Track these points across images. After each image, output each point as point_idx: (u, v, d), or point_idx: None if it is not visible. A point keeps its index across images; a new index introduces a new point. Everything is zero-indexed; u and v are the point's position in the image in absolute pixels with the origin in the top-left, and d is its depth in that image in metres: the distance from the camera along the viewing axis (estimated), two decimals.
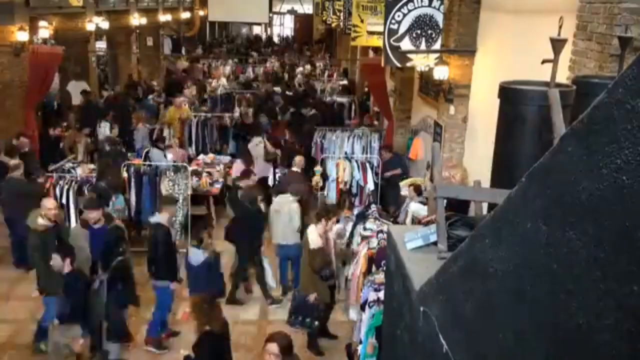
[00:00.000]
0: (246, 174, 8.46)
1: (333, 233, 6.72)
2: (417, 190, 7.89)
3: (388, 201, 9.54)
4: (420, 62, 8.23)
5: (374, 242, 6.51)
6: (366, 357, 5.31)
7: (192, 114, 12.67)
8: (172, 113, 12.62)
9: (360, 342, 5.68)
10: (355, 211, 8.09)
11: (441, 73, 7.96)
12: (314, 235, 6.44)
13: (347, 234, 7.44)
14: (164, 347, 6.62)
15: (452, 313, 1.73)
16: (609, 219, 0.98)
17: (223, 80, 17.67)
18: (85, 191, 8.48)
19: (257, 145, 10.67)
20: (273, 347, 4.22)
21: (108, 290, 5.77)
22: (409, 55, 8.16)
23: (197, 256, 6.53)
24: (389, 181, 9.85)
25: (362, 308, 5.86)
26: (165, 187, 8.78)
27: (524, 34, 6.25)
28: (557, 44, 2.41)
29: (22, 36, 10.25)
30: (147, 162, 9.47)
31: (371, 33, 10.80)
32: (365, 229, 6.83)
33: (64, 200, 8.46)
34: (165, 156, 10.03)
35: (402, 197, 8.87)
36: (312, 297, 6.36)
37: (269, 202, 8.10)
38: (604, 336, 0.99)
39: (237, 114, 13.22)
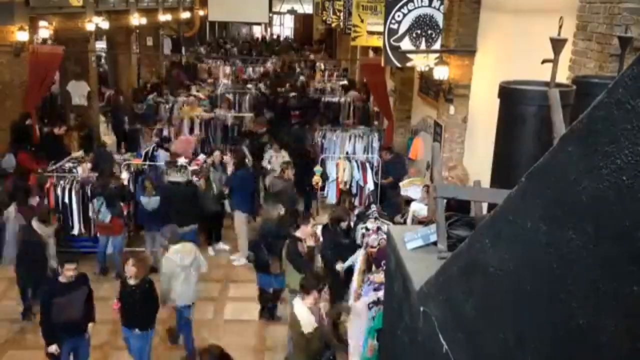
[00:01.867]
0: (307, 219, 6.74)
1: (324, 307, 5.46)
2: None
3: (387, 202, 9.54)
4: (420, 62, 8.23)
5: (373, 240, 6.51)
6: (366, 359, 5.30)
7: (199, 114, 12.91)
8: (186, 111, 12.99)
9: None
10: (356, 211, 8.10)
11: (441, 73, 7.96)
12: (303, 314, 5.04)
13: None
14: None
15: (452, 313, 1.73)
16: (609, 219, 0.98)
17: (224, 80, 17.75)
18: (88, 191, 8.51)
19: (274, 159, 10.01)
20: None
21: None
22: (409, 55, 8.16)
23: None
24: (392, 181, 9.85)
25: None
26: None
27: (524, 34, 6.25)
28: (557, 44, 2.41)
29: (22, 36, 10.24)
30: (149, 163, 9.48)
31: (371, 33, 10.80)
32: (367, 229, 6.83)
33: (65, 200, 8.47)
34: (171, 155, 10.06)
35: (402, 197, 8.87)
36: None
37: None
38: (604, 336, 0.99)
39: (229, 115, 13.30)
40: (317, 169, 9.94)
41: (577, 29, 4.48)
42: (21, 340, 6.79)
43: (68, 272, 5.57)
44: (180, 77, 19.41)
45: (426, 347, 1.98)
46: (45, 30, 11.95)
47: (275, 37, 36.88)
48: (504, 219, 1.38)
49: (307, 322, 4.97)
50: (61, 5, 12.23)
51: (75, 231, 8.59)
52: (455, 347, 1.70)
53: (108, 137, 12.54)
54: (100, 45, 18.13)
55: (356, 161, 10.16)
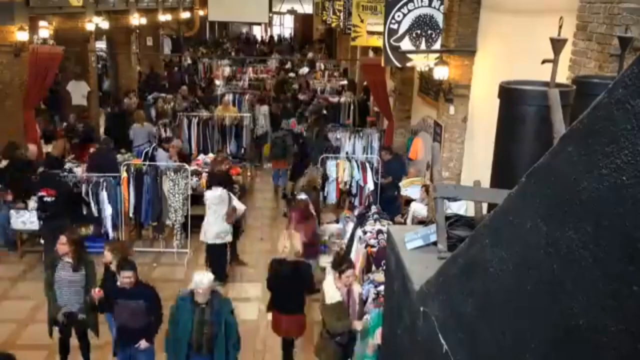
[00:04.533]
0: None
1: (357, 292, 5.59)
2: (428, 191, 7.87)
3: (387, 202, 9.53)
4: (420, 62, 8.24)
5: (373, 242, 6.52)
6: (365, 357, 5.32)
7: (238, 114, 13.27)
8: (220, 112, 13.09)
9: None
10: (356, 212, 8.11)
11: (441, 73, 7.96)
12: (328, 287, 5.43)
13: (348, 234, 7.45)
14: None
15: (452, 313, 1.74)
16: (609, 219, 0.98)
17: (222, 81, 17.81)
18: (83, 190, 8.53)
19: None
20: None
21: None
22: (409, 55, 8.16)
23: None
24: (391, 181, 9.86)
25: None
26: (166, 188, 8.79)
27: (524, 34, 6.25)
28: (557, 44, 2.40)
29: (22, 36, 10.23)
30: (149, 162, 9.48)
31: (371, 33, 10.80)
32: (365, 232, 6.83)
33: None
34: (170, 157, 10.06)
35: (403, 197, 8.88)
36: None
37: None
38: (604, 336, 0.99)
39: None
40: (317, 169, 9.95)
41: (577, 29, 4.48)
42: (21, 340, 6.79)
43: (125, 280, 5.40)
44: (175, 77, 19.45)
45: (426, 347, 1.98)
46: (45, 30, 11.94)
47: (269, 38, 36.48)
48: (504, 219, 1.38)
49: (330, 295, 5.34)
50: (61, 5, 12.22)
51: None
52: (455, 347, 1.70)
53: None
54: (100, 45, 18.13)
55: (356, 161, 10.16)
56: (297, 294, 6.05)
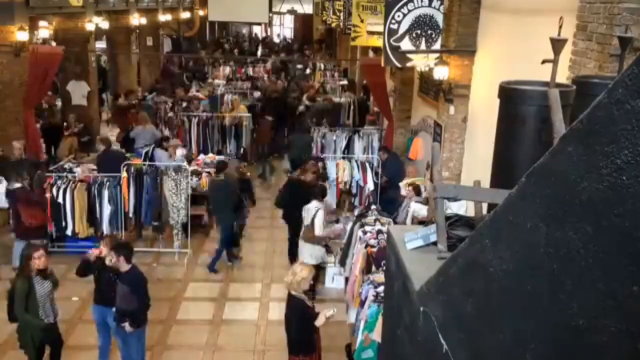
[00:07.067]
0: None
1: None
2: (416, 190, 7.89)
3: (387, 201, 9.54)
4: (420, 62, 8.24)
5: (373, 242, 6.51)
6: (362, 350, 5.37)
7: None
8: (226, 109, 13.51)
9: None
10: (356, 212, 8.10)
11: (441, 73, 7.96)
12: None
13: (347, 234, 7.43)
14: None
15: (452, 313, 1.74)
16: (609, 219, 0.98)
17: (223, 81, 17.80)
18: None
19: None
20: None
21: None
22: (409, 55, 8.17)
23: None
24: (388, 181, 9.87)
25: (362, 305, 5.89)
26: (167, 188, 8.78)
27: (524, 34, 6.25)
28: (557, 44, 2.40)
29: (22, 36, 10.23)
30: (149, 163, 9.47)
31: (371, 33, 10.81)
32: (364, 232, 6.82)
33: (60, 199, 8.46)
34: (170, 156, 10.06)
35: (402, 197, 8.88)
36: None
37: None
38: (604, 336, 0.99)
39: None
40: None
41: (577, 29, 4.49)
42: None
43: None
44: (169, 70, 19.40)
45: (426, 347, 1.98)
46: (45, 30, 11.94)
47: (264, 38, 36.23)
48: (504, 219, 1.38)
49: None
50: (61, 5, 12.22)
51: (69, 232, 8.61)
52: (455, 347, 1.70)
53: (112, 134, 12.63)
54: (100, 45, 18.13)
55: (356, 161, 10.16)
56: None
